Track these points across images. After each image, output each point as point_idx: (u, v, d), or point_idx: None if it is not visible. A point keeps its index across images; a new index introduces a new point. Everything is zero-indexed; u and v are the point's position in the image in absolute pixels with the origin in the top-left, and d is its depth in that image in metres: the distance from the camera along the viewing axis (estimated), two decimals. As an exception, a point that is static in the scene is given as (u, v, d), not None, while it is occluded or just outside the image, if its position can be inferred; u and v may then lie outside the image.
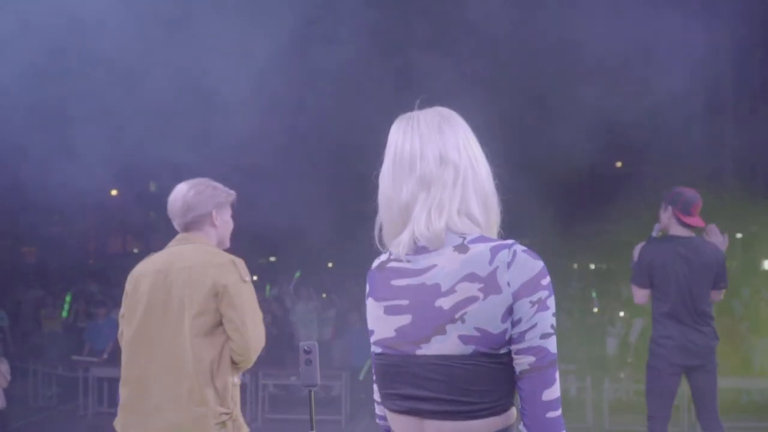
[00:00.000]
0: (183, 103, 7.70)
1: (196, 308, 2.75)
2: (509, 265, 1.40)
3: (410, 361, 1.46)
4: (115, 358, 8.76)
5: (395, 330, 1.48)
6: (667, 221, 4.47)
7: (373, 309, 1.55)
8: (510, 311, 1.39)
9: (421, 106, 1.62)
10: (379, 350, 1.53)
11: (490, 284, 1.39)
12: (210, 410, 2.71)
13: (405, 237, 1.49)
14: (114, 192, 16.64)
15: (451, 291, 1.41)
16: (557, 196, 16.47)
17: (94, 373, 9.13)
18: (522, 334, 1.39)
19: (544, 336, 1.39)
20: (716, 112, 17.96)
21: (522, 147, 11.69)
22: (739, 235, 16.81)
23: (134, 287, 2.87)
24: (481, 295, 1.39)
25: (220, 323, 2.78)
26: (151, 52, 7.22)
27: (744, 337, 9.39)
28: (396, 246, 1.51)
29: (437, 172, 1.49)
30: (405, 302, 1.48)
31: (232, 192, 3.03)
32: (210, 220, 2.94)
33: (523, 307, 1.39)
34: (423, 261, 1.47)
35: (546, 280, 1.42)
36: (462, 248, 1.44)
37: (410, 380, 1.46)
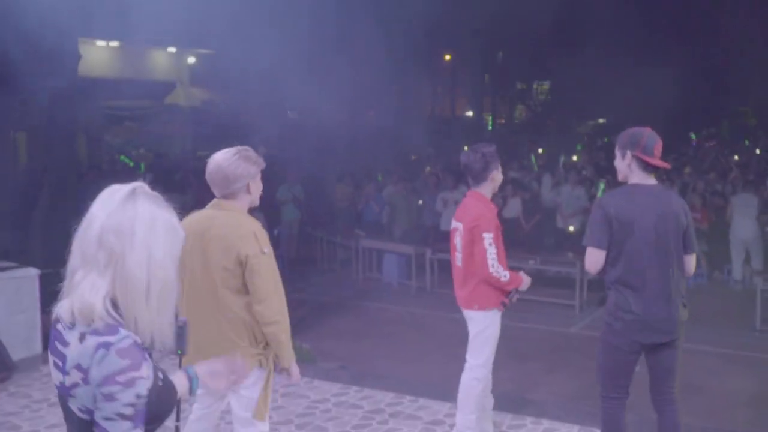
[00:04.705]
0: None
1: (225, 272, 3.30)
2: (99, 362, 1.63)
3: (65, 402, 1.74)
4: (373, 233, 11.26)
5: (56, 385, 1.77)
6: (627, 169, 3.78)
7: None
8: (94, 400, 1.65)
9: None
10: None
11: (87, 376, 1.64)
12: (246, 351, 3.23)
13: (70, 304, 1.69)
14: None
15: (67, 372, 1.67)
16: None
17: (364, 244, 10.94)
18: (91, 413, 1.67)
19: (107, 419, 1.64)
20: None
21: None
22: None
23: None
24: (81, 384, 1.65)
25: (246, 286, 3.31)
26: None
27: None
28: (67, 311, 1.70)
29: (94, 253, 1.66)
30: (59, 363, 1.72)
31: (263, 162, 3.44)
32: (246, 189, 3.37)
33: (98, 396, 1.64)
34: (69, 335, 1.69)
35: (123, 377, 1.63)
36: (82, 338, 1.65)
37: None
